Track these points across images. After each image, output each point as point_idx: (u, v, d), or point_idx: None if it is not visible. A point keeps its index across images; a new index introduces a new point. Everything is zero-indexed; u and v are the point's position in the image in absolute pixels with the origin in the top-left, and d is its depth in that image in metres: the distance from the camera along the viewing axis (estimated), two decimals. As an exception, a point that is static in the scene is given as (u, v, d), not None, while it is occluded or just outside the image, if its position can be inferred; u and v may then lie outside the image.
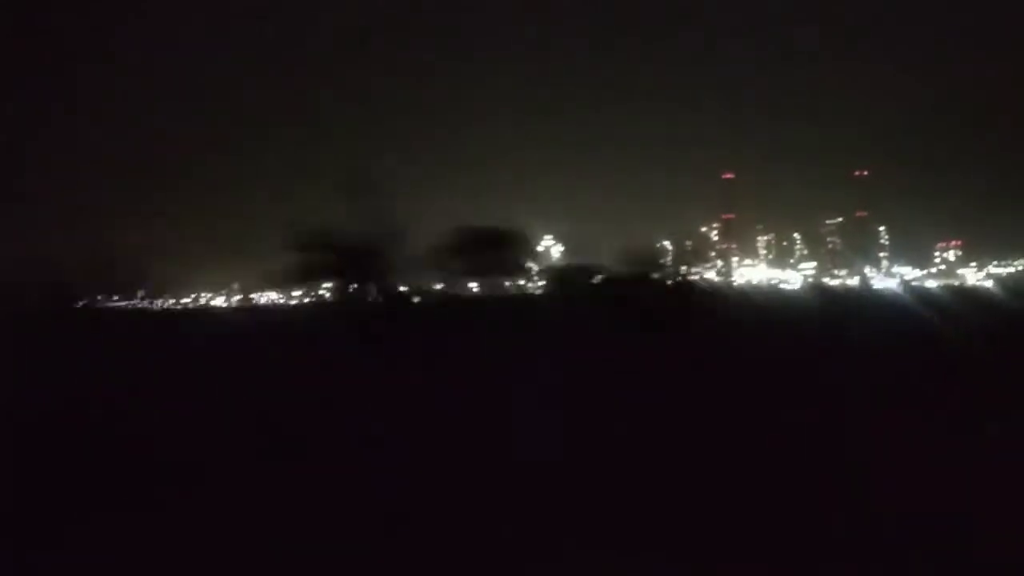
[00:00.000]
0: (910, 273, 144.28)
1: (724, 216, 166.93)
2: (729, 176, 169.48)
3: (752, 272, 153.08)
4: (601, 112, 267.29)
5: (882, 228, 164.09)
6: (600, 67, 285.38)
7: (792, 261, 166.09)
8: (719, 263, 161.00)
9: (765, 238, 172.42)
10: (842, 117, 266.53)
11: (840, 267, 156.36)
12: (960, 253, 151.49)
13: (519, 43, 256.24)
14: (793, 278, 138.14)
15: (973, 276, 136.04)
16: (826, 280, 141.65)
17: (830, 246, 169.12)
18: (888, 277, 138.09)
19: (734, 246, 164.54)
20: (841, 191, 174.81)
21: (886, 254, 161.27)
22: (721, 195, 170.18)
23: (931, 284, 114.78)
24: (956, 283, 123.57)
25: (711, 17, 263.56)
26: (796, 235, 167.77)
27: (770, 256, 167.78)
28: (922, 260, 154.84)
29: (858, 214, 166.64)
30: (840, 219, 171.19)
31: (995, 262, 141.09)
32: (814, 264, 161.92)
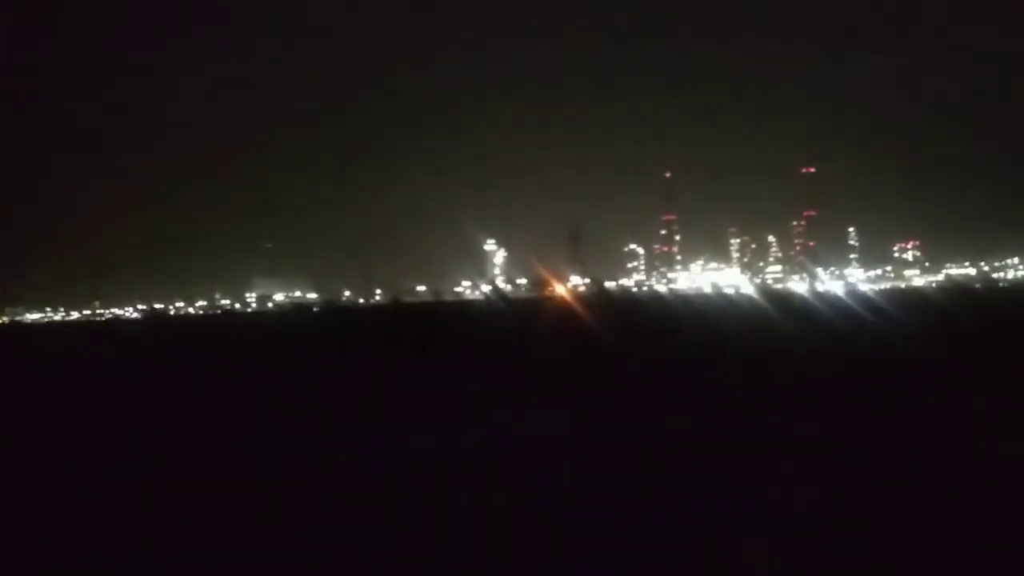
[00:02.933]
0: (856, 275, 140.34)
1: (665, 217, 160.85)
2: (668, 175, 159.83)
3: (693, 277, 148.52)
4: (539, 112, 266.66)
5: (851, 229, 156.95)
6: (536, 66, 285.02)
7: (762, 264, 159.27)
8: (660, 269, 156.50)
9: (736, 241, 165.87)
10: (798, 114, 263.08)
11: (801, 270, 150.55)
12: (919, 253, 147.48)
13: (457, 47, 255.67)
14: (741, 282, 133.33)
15: (921, 278, 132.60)
16: (779, 283, 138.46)
17: (797, 247, 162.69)
18: (836, 279, 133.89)
19: (670, 248, 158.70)
20: (796, 190, 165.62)
21: (856, 255, 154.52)
22: (662, 195, 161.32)
23: (876, 287, 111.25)
24: (902, 285, 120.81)
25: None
26: (771, 237, 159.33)
27: (745, 259, 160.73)
28: (882, 260, 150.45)
29: (806, 213, 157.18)
30: (806, 220, 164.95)
31: (966, 262, 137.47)
32: (780, 268, 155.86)
